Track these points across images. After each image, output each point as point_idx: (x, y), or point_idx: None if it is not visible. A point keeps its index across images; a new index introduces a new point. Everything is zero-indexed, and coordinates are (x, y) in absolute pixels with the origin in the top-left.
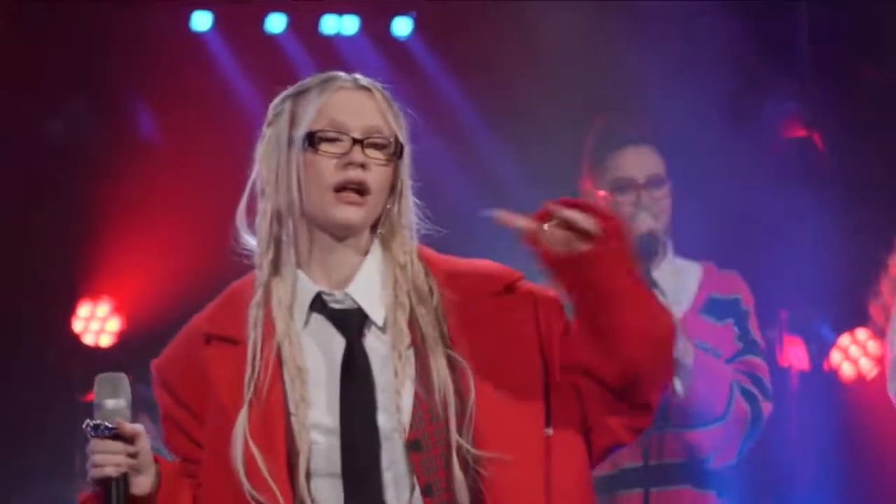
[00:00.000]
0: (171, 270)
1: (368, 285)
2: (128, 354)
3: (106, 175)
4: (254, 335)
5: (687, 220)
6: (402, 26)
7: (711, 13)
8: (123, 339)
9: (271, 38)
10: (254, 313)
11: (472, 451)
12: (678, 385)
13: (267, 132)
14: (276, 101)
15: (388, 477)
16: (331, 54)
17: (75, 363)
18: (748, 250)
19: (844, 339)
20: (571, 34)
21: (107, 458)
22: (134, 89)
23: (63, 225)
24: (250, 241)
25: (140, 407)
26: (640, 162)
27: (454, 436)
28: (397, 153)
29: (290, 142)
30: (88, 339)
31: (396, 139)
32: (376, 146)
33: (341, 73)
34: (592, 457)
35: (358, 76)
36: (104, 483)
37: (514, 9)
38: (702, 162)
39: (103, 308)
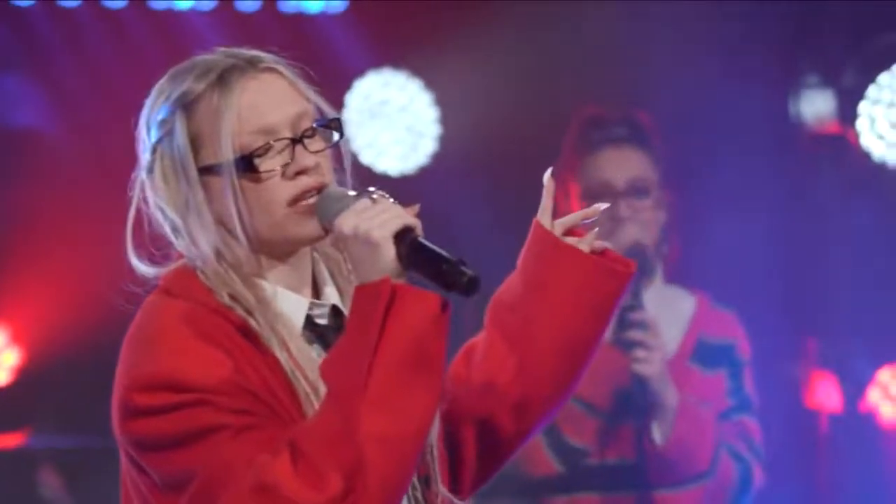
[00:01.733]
0: (83, 289)
1: (332, 290)
2: (29, 393)
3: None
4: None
5: (691, 233)
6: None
7: None
8: (24, 375)
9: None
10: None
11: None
12: (656, 432)
13: (154, 159)
14: (153, 111)
15: None
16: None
17: None
18: (769, 269)
19: (884, 375)
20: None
21: (399, 209)
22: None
23: None
24: (145, 269)
25: (44, 456)
26: (618, 164)
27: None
28: (339, 130)
29: (205, 169)
30: None
31: (325, 115)
32: (313, 134)
33: (221, 58)
34: None
35: (246, 53)
36: (411, 232)
37: None
38: (722, 164)
39: None
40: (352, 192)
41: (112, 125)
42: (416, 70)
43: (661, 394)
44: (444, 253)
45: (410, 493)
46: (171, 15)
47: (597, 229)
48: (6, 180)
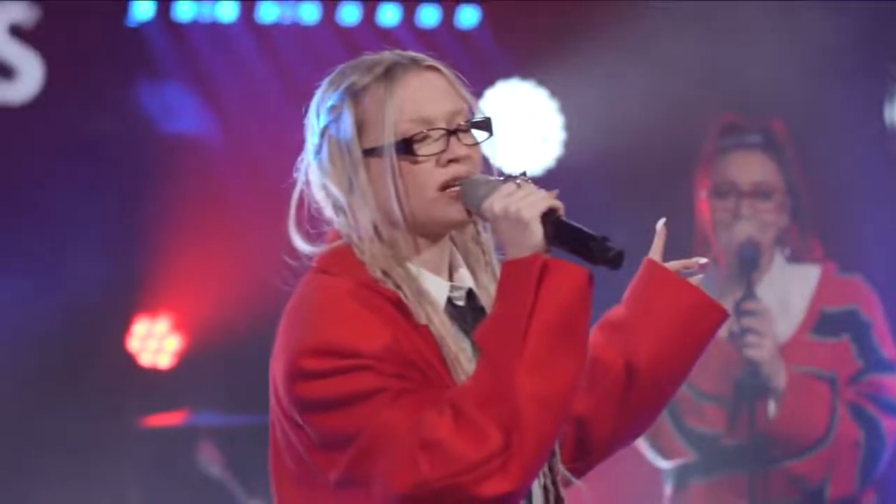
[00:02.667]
0: (237, 282)
1: (467, 274)
2: (189, 377)
3: (165, 176)
4: (433, 317)
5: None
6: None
7: None
8: (184, 359)
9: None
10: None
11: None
12: (770, 408)
13: (323, 141)
14: (323, 100)
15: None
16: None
17: (130, 386)
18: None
19: None
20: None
21: (542, 192)
22: (187, 81)
23: (114, 231)
24: (304, 246)
25: (204, 434)
26: (745, 168)
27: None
28: (489, 130)
29: (369, 151)
30: (145, 359)
31: (479, 115)
32: (466, 129)
33: (389, 55)
34: None
35: (412, 54)
36: (555, 212)
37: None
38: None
39: (162, 325)
40: (498, 178)
41: (261, 131)
42: (543, 80)
43: (772, 376)
44: (587, 230)
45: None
46: (319, 30)
47: (701, 276)
48: (167, 181)
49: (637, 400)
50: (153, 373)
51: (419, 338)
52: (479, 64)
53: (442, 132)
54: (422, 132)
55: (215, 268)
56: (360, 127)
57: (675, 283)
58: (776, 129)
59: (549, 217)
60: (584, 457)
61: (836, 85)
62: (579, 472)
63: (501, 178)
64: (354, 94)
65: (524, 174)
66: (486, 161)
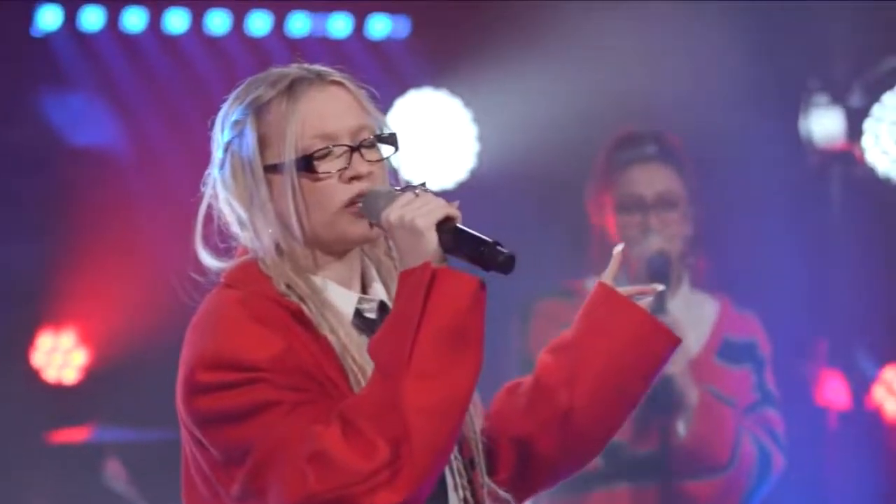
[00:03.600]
0: (145, 295)
1: (380, 287)
2: (96, 392)
3: (71, 186)
4: (331, 329)
5: (712, 242)
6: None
7: None
8: (91, 373)
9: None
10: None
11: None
12: (680, 427)
13: (226, 156)
14: (228, 114)
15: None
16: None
17: (36, 401)
18: (780, 273)
19: (889, 373)
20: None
21: (440, 201)
22: (95, 91)
23: (19, 242)
24: (211, 261)
25: (110, 450)
26: (648, 179)
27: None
28: (394, 145)
29: (270, 168)
30: (50, 375)
31: (384, 130)
32: (371, 145)
33: (294, 70)
34: None
35: (317, 68)
36: (452, 221)
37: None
38: (727, 175)
39: (67, 339)
40: (397, 189)
41: (171, 142)
42: (455, 89)
43: (683, 391)
44: (482, 236)
45: (457, 476)
46: (228, 40)
47: (651, 298)
48: (73, 192)
49: (582, 426)
50: (59, 388)
51: (320, 350)
52: (390, 73)
53: (345, 149)
54: (323, 148)
55: (123, 280)
56: (263, 142)
57: (626, 307)
58: (671, 139)
59: (445, 226)
60: (524, 479)
61: (749, 98)
62: (521, 494)
63: (399, 189)
64: (257, 110)
65: (423, 184)
66: (395, 174)
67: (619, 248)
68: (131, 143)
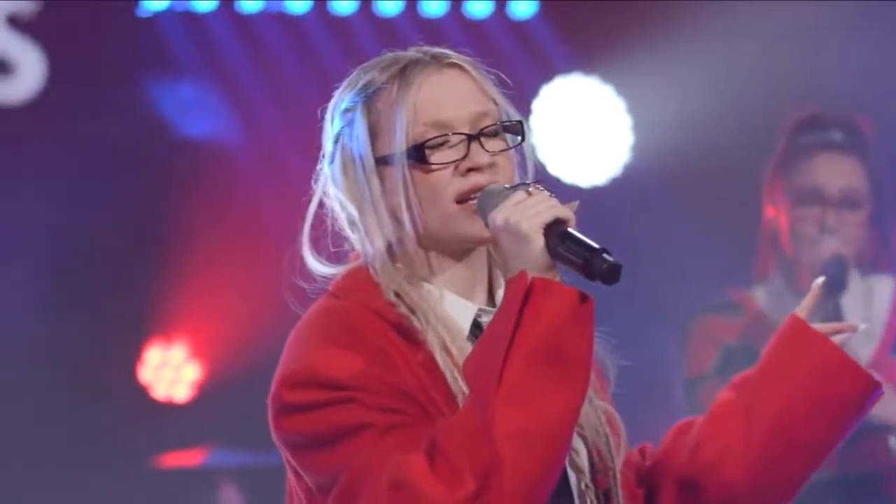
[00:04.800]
0: (263, 302)
1: None
2: (208, 410)
3: (181, 184)
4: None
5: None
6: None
7: None
8: (203, 391)
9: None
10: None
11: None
12: (892, 441)
13: (336, 149)
14: (337, 105)
15: None
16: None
17: (143, 421)
18: None
19: None
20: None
21: (553, 201)
22: (206, 78)
23: (124, 245)
24: (319, 267)
25: (225, 473)
26: (831, 170)
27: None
28: (520, 134)
29: (381, 160)
30: (160, 392)
31: (510, 118)
32: (493, 134)
33: (411, 53)
34: None
35: (432, 50)
36: (563, 224)
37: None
38: None
39: (178, 353)
40: (508, 186)
41: (290, 134)
42: (607, 76)
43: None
44: (588, 242)
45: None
46: (352, 20)
47: (846, 336)
48: (183, 190)
49: (756, 472)
50: (169, 406)
51: (424, 369)
52: (534, 58)
53: (462, 137)
54: (437, 137)
55: (238, 288)
56: (373, 132)
57: (818, 342)
58: (862, 127)
59: (554, 229)
60: None
61: None
62: None
63: (510, 186)
64: (368, 97)
65: (538, 182)
66: (541, 170)
67: (818, 281)
68: (246, 135)
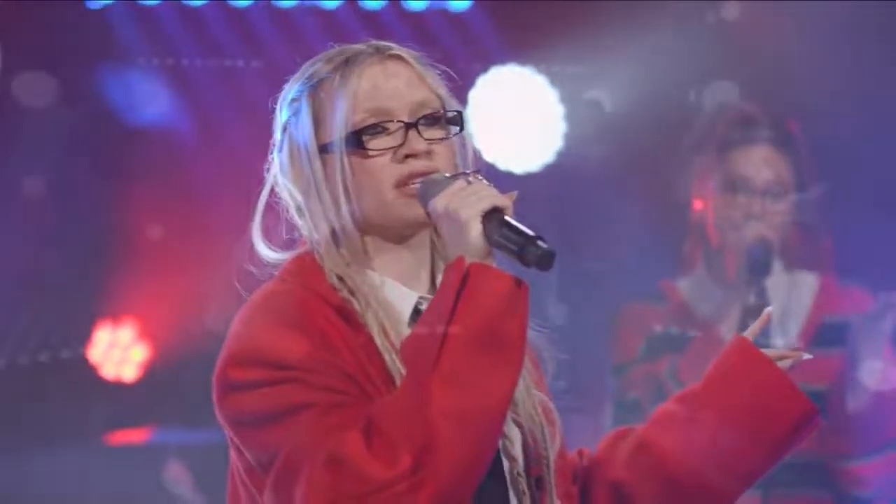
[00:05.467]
0: (211, 286)
1: None
2: (156, 389)
3: (127, 170)
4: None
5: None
6: None
7: None
8: (151, 370)
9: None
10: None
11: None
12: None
13: (283, 138)
14: (285, 96)
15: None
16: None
17: (92, 399)
18: None
19: None
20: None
21: (492, 190)
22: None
23: (77, 231)
24: (269, 253)
25: (171, 451)
26: (758, 162)
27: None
28: (459, 124)
29: (323, 147)
30: (109, 371)
31: (451, 107)
32: (433, 123)
33: (356, 46)
34: None
35: (377, 43)
36: (500, 212)
37: None
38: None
39: (126, 334)
40: (448, 175)
41: (239, 121)
42: (541, 66)
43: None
44: (524, 229)
45: (521, 495)
46: (298, 12)
47: (790, 362)
48: (132, 177)
49: (687, 485)
50: (117, 385)
51: (364, 350)
52: (471, 49)
53: (400, 125)
54: (375, 124)
55: (186, 271)
56: (317, 121)
57: (761, 364)
58: (789, 126)
59: (492, 217)
60: None
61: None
62: None
63: (450, 175)
64: (312, 87)
65: (477, 171)
66: (478, 157)
67: (767, 309)
68: (196, 123)
